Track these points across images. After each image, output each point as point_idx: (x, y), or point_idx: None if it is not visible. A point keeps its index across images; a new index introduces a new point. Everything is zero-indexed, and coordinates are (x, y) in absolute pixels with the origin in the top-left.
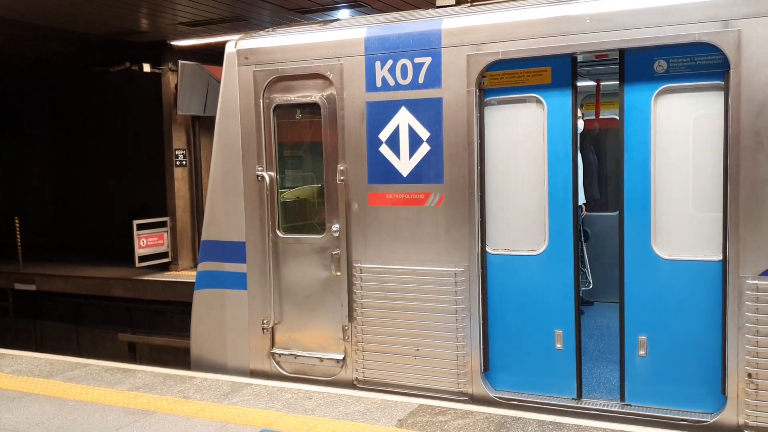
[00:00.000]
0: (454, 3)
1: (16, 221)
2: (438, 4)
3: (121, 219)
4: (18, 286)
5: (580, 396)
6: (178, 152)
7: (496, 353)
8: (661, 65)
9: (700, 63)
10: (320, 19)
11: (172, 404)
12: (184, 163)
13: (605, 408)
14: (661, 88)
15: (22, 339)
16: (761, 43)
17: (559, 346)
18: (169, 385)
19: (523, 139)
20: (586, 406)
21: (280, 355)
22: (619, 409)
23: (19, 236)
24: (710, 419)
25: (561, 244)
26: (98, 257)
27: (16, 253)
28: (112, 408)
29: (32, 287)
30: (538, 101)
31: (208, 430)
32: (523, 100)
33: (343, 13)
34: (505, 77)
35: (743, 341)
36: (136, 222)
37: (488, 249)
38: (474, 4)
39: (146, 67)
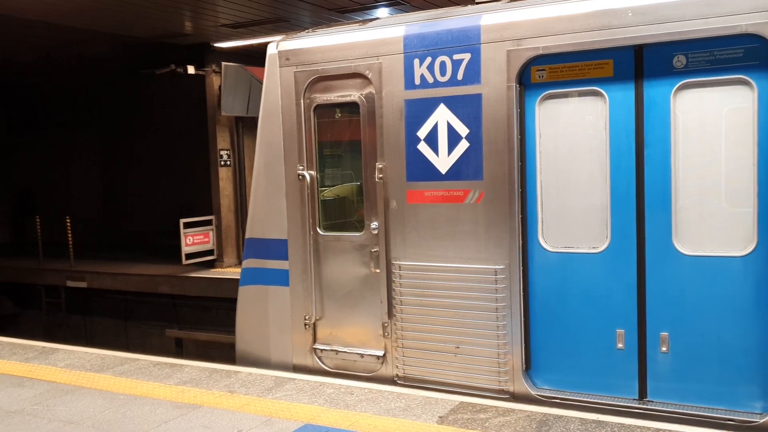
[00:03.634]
0: None
1: (68, 220)
2: (477, 0)
3: (168, 217)
4: (70, 283)
5: (642, 396)
6: (222, 152)
7: (542, 351)
8: (680, 60)
9: (737, 56)
10: (360, 18)
11: (218, 398)
12: (228, 163)
13: (665, 409)
14: (683, 82)
15: (74, 334)
16: None
17: (620, 345)
18: (215, 379)
19: (585, 133)
20: (648, 406)
21: (321, 350)
22: (682, 410)
23: (70, 235)
24: (758, 419)
25: (624, 242)
26: (146, 255)
27: (67, 251)
28: (161, 402)
29: (83, 284)
30: (600, 95)
31: (253, 424)
32: (584, 94)
33: (382, 12)
34: (564, 71)
35: None
36: (183, 221)
37: (545, 246)
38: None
39: (190, 69)
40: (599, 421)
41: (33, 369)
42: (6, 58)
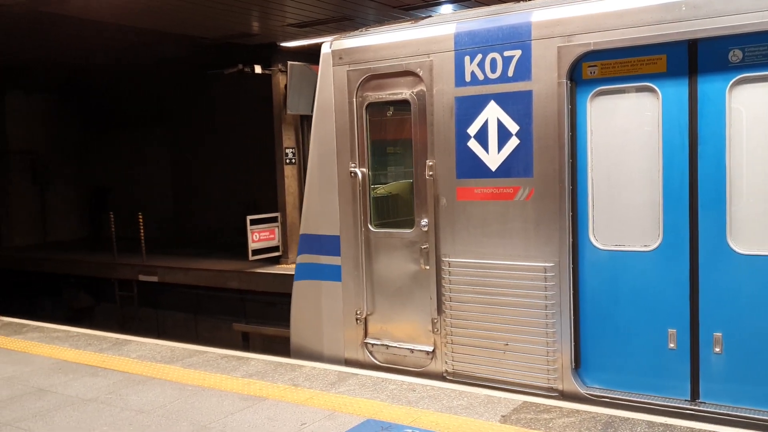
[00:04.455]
0: None
1: (140, 217)
2: None
3: (235, 214)
4: (142, 277)
5: (695, 398)
6: (287, 150)
7: (592, 350)
8: (736, 54)
9: None
10: (424, 15)
11: (283, 391)
12: (293, 161)
13: (718, 411)
14: (739, 77)
15: (145, 327)
16: None
17: (672, 345)
18: (280, 372)
19: (637, 129)
20: (700, 408)
21: (372, 345)
22: (734, 412)
23: (142, 231)
24: None
25: (676, 240)
26: (214, 251)
27: (140, 246)
28: (227, 393)
29: (154, 279)
30: (653, 90)
31: (317, 417)
32: (637, 90)
33: (446, 8)
34: (616, 66)
35: None
36: (249, 217)
37: (596, 244)
38: None
39: (257, 69)
40: (667, 424)
41: (107, 359)
42: (80, 60)
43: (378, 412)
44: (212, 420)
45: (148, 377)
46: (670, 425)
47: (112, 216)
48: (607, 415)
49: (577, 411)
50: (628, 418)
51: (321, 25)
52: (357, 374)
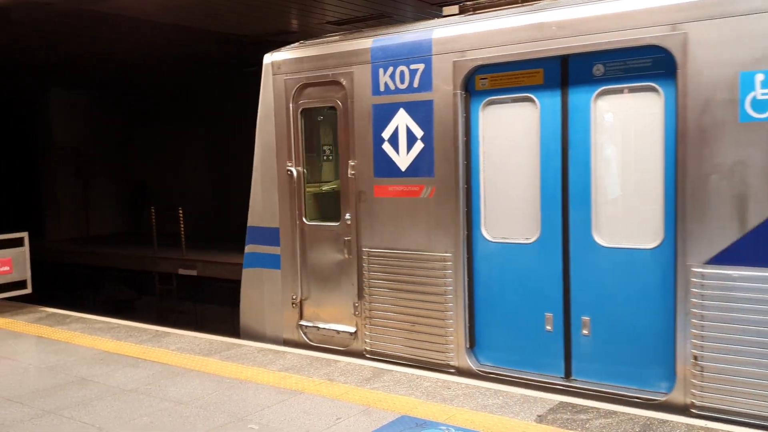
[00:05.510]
0: (457, 12)
1: (180, 211)
2: (444, 13)
3: None
4: (181, 271)
5: (568, 375)
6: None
7: (484, 331)
8: (599, 69)
9: (647, 65)
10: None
11: (319, 386)
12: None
13: (586, 387)
14: (601, 89)
15: (184, 320)
16: (706, 45)
17: (548, 327)
18: (316, 367)
19: (520, 135)
20: (572, 384)
21: (306, 326)
22: (600, 389)
23: (182, 225)
24: (662, 398)
25: (551, 234)
26: None
27: (180, 241)
28: (264, 386)
29: (194, 272)
30: (533, 101)
31: (352, 412)
32: (520, 100)
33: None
34: (503, 79)
35: (689, 326)
36: None
37: (487, 237)
38: (475, 12)
39: None
40: (707, 428)
41: (147, 351)
42: (121, 57)
43: (413, 409)
44: (249, 412)
45: (187, 369)
46: (709, 428)
47: (153, 211)
48: (645, 417)
49: (615, 412)
50: (667, 421)
51: (360, 23)
52: (392, 371)
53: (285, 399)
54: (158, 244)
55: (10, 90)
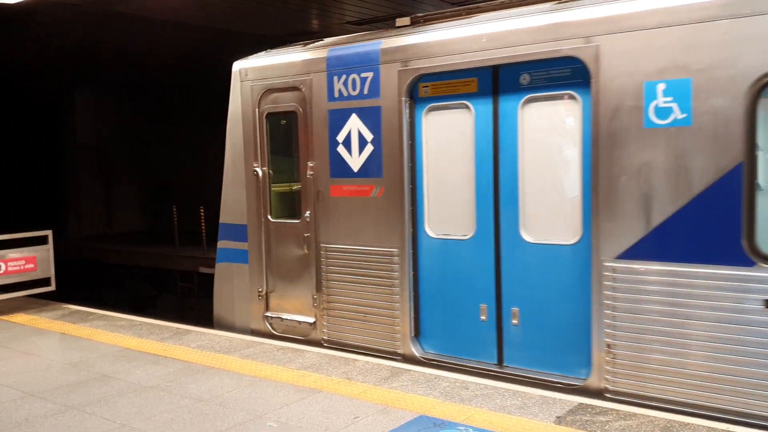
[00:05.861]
0: (409, 23)
1: (202, 210)
2: (397, 24)
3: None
4: (202, 269)
5: (501, 362)
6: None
7: (428, 321)
8: (525, 78)
9: (566, 75)
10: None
11: (337, 384)
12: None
13: (516, 373)
14: (527, 97)
15: (205, 317)
16: (616, 57)
17: (483, 318)
18: (334, 366)
19: (458, 139)
20: (504, 371)
21: (271, 317)
22: (528, 375)
23: (203, 224)
24: (580, 383)
25: (484, 231)
26: None
27: (201, 239)
28: (283, 384)
29: (214, 271)
30: (468, 108)
31: (370, 411)
32: (458, 107)
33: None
34: (443, 87)
35: (603, 317)
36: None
37: (430, 233)
38: (424, 24)
39: None
40: (729, 431)
41: (168, 348)
42: (146, 58)
43: (431, 409)
44: (268, 410)
45: (207, 366)
46: (729, 431)
47: (174, 210)
48: (666, 419)
49: (635, 414)
50: (688, 423)
51: (379, 23)
52: (410, 370)
53: (303, 397)
54: (179, 242)
55: (36, 90)
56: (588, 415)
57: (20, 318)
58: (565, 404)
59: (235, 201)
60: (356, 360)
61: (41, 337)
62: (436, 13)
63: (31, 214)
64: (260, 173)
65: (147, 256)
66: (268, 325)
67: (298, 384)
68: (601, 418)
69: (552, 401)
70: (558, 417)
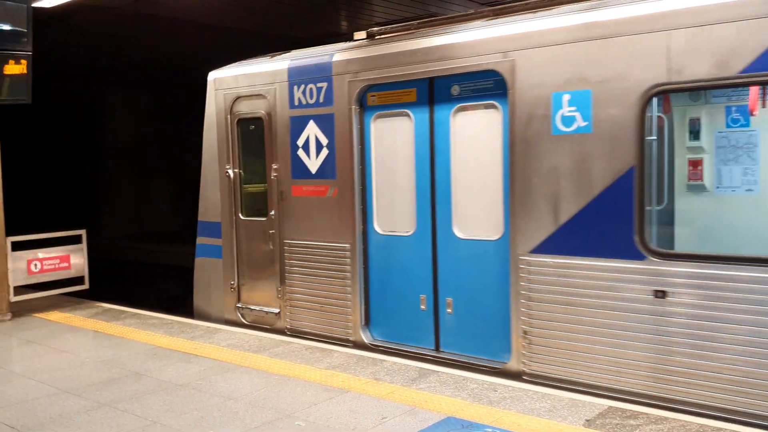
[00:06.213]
0: (365, 36)
1: None
2: (355, 37)
3: None
4: None
5: (438, 348)
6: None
7: (377, 310)
8: (456, 89)
9: (489, 86)
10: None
11: (365, 385)
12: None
13: (451, 358)
14: (458, 106)
15: None
16: (529, 70)
17: (423, 307)
18: (362, 366)
19: (401, 144)
20: (441, 355)
21: (242, 308)
22: (460, 359)
23: None
24: (501, 366)
25: (423, 228)
26: None
27: None
28: (311, 384)
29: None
30: (409, 116)
31: (398, 412)
32: (400, 115)
33: None
34: (387, 96)
35: (520, 306)
36: None
37: (378, 230)
38: (379, 37)
39: None
40: None
41: (198, 347)
42: (176, 60)
43: (458, 410)
44: (296, 409)
45: (237, 365)
46: None
47: None
48: (698, 424)
49: (665, 418)
50: (721, 429)
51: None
52: (437, 371)
53: (332, 397)
54: None
55: (72, 91)
56: (618, 418)
57: (55, 316)
58: (595, 407)
59: (210, 200)
60: (384, 360)
61: (75, 334)
62: (389, 28)
63: (67, 213)
64: (232, 174)
65: (179, 256)
66: (240, 315)
67: (326, 384)
68: (632, 422)
69: (581, 404)
70: (587, 420)
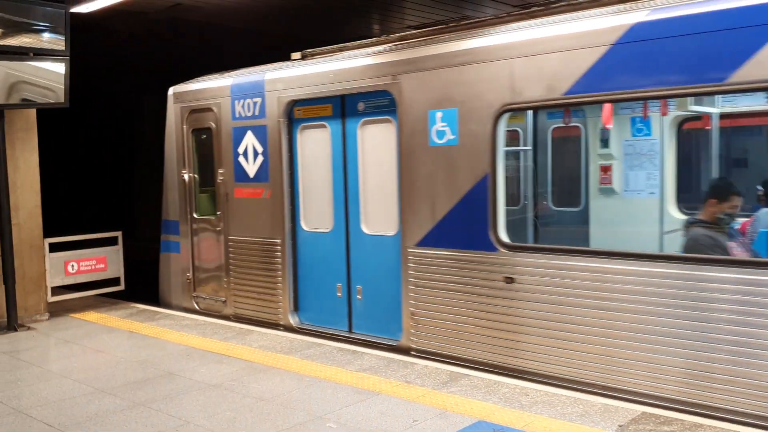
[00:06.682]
0: (300, 57)
1: None
2: (292, 57)
3: None
4: None
5: (351, 330)
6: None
7: (304, 297)
8: (361, 106)
9: (386, 104)
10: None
11: (396, 387)
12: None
13: (360, 338)
14: (363, 120)
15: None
16: (411, 91)
17: (339, 294)
18: (393, 369)
19: (321, 152)
20: (353, 336)
21: (196, 297)
22: (367, 338)
23: None
24: (395, 343)
25: (339, 225)
26: None
27: None
28: (342, 386)
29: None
30: (326, 127)
31: (428, 415)
32: (319, 127)
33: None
34: (309, 110)
35: (409, 291)
36: None
37: (304, 227)
38: (310, 58)
39: None
40: None
41: (231, 348)
42: (209, 64)
43: (490, 415)
44: (327, 411)
45: (269, 366)
46: None
47: None
48: (732, 431)
49: (701, 425)
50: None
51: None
52: (469, 375)
53: (363, 399)
54: None
55: (108, 94)
56: (651, 424)
57: (91, 316)
58: (628, 413)
59: (171, 201)
60: (414, 364)
61: (111, 334)
62: (318, 51)
63: (104, 215)
64: (187, 178)
65: None
66: (195, 304)
67: (357, 386)
68: (665, 428)
69: (614, 410)
70: (620, 426)
